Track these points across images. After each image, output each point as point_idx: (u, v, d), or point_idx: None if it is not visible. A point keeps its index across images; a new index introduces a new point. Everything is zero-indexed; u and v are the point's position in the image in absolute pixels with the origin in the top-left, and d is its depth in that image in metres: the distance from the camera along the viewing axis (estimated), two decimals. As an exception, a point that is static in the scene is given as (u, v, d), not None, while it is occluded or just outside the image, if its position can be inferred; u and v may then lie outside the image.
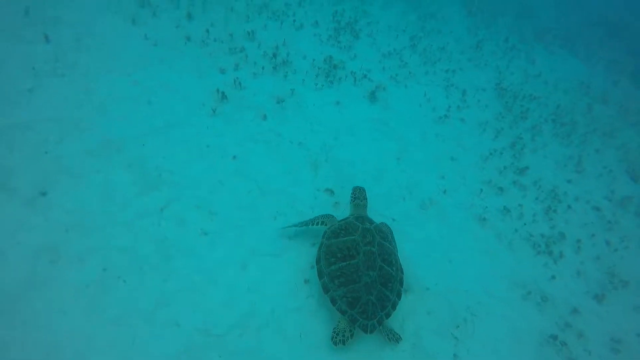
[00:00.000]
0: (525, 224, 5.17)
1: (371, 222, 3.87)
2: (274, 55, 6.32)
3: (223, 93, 5.33)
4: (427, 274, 4.17)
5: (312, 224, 3.92)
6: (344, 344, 3.24)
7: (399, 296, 3.56)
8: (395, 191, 4.99)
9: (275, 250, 3.91)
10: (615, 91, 9.45)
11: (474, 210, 5.12)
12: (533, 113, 7.34)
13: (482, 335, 3.81)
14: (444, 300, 4.00)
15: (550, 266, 4.76)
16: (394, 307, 3.48)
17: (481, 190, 5.42)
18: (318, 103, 5.89)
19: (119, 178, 4.06)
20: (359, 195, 4.17)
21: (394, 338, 3.41)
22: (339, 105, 5.99)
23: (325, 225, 3.90)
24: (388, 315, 3.43)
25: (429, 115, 6.47)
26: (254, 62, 6.19)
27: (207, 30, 6.40)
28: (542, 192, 5.76)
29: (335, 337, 3.27)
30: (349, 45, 7.38)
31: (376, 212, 4.57)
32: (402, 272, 3.72)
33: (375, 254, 3.54)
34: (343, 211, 4.39)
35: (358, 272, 3.40)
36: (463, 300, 4.06)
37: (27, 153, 3.94)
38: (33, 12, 5.48)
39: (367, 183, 4.74)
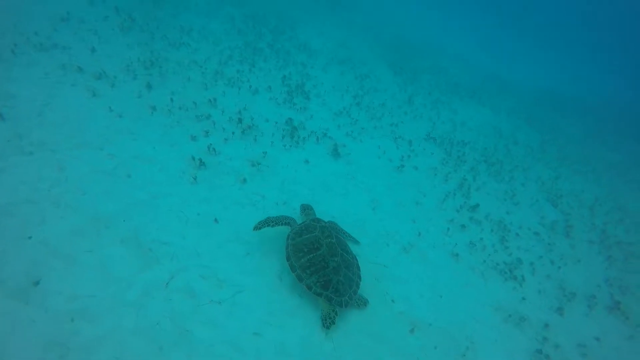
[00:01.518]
0: (489, 255, 5.85)
1: (323, 221, 4.57)
2: (240, 120, 6.60)
3: (200, 160, 5.41)
4: (425, 312, 4.50)
5: (280, 224, 4.50)
6: (334, 323, 3.83)
7: (359, 278, 4.25)
8: (379, 239, 5.37)
9: (289, 309, 3.96)
10: (520, 133, 11.27)
11: (446, 247, 5.69)
12: (468, 156, 8.46)
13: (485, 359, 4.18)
14: (445, 334, 4.33)
15: (518, 289, 5.41)
16: (357, 286, 4.16)
17: (448, 228, 6.06)
18: (290, 163, 6.20)
19: (114, 256, 3.87)
20: (307, 207, 5.00)
21: (362, 303, 4.18)
22: (309, 164, 6.36)
23: (290, 226, 4.52)
24: (355, 293, 4.08)
25: (387, 166, 7.14)
26: (222, 128, 6.39)
27: (171, 99, 6.52)
28: (494, 224, 6.59)
29: (326, 322, 3.83)
30: (304, 106, 7.96)
31: (367, 261, 4.88)
32: (356, 259, 4.41)
33: (335, 244, 4.22)
34: (341, 263, 4.62)
35: (324, 260, 4.03)
36: (461, 331, 4.44)
37: (9, 240, 3.62)
38: (-17, 91, 5.17)
39: (353, 234, 5.10)
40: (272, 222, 4.48)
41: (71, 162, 4.70)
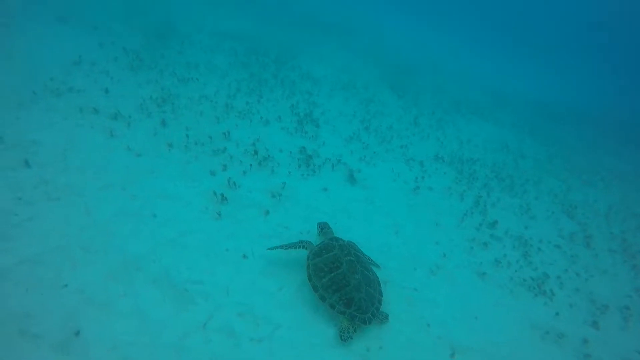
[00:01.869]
0: (515, 271, 5.81)
1: (342, 240, 4.63)
2: (255, 152, 6.67)
3: (222, 195, 5.43)
4: (462, 335, 4.43)
5: (295, 248, 4.59)
6: (351, 338, 3.87)
7: (381, 294, 4.29)
8: (405, 263, 5.35)
9: (329, 341, 3.91)
10: (525, 147, 11.39)
11: (472, 267, 5.66)
12: (479, 173, 8.53)
13: (530, 383, 4.10)
14: (487, 356, 4.26)
15: (549, 304, 5.35)
16: (379, 302, 4.19)
17: (471, 248, 6.05)
18: (309, 192, 6.23)
19: (149, 298, 3.83)
20: (324, 226, 5.08)
21: (385, 318, 4.20)
22: (327, 191, 6.39)
23: (306, 249, 4.58)
24: (378, 309, 4.11)
25: (403, 188, 7.18)
26: (240, 161, 6.45)
27: (187, 135, 6.60)
28: (514, 240, 6.58)
29: (343, 335, 3.87)
30: (315, 134, 8.06)
31: (397, 285, 4.85)
32: (376, 276, 4.49)
33: (355, 262, 4.29)
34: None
35: (345, 278, 4.10)
36: (502, 352, 4.36)
37: (46, 290, 3.59)
38: (8, 139, 5.24)
39: (380, 260, 5.09)
40: (287, 246, 4.59)
41: (97, 205, 4.72)
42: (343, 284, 4.07)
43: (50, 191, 4.68)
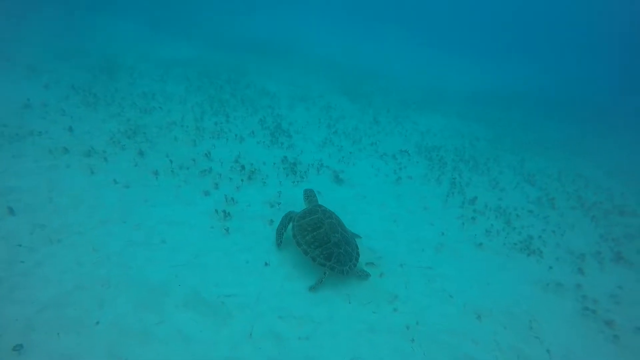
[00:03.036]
0: (505, 237, 6.35)
1: (325, 207, 5.08)
2: (243, 167, 6.69)
3: (224, 211, 5.41)
4: (482, 300, 4.79)
5: (285, 228, 5.03)
6: (321, 283, 4.40)
7: (358, 254, 4.75)
8: (413, 245, 5.66)
9: (371, 325, 4.05)
10: (475, 131, 12.37)
11: (469, 240, 6.10)
12: (447, 158, 9.17)
13: (553, 332, 4.53)
14: (507, 314, 4.63)
15: (540, 262, 5.92)
16: (356, 259, 4.66)
17: (462, 224, 6.51)
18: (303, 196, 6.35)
19: (186, 321, 3.75)
20: (310, 194, 5.57)
21: (364, 275, 4.71)
22: (320, 194, 6.55)
23: (293, 220, 4.99)
24: (355, 265, 4.59)
25: (386, 181, 7.55)
26: (229, 178, 6.44)
27: (171, 161, 6.48)
28: (494, 211, 7.17)
29: (316, 287, 4.38)
30: (290, 144, 8.22)
31: (413, 266, 5.14)
32: (354, 239, 4.97)
33: (335, 224, 4.78)
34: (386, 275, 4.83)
35: (326, 236, 4.58)
36: (517, 308, 4.77)
37: (79, 330, 3.38)
38: (-18, 190, 4.83)
39: (388, 246, 5.36)
40: (283, 228, 5.01)
41: (102, 241, 4.50)
42: (324, 240, 4.55)
43: (49, 234, 4.39)
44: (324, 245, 4.52)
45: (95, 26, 14.77)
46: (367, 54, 21.88)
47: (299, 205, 6.01)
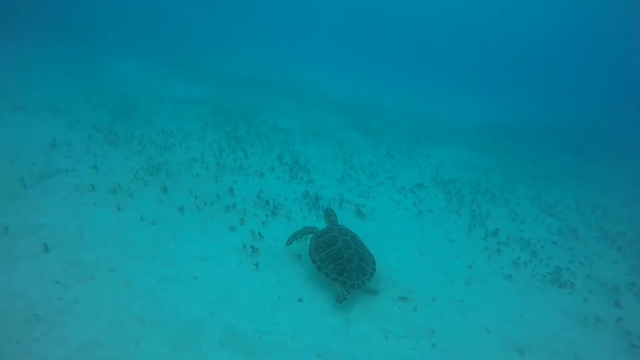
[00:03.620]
0: (533, 269, 6.25)
1: (343, 226, 5.41)
2: (267, 203, 6.71)
3: (252, 247, 5.38)
4: (519, 333, 4.65)
5: (304, 234, 5.40)
6: (346, 299, 4.45)
7: (374, 270, 4.89)
8: (442, 279, 5.57)
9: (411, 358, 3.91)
10: (486, 163, 12.47)
11: (497, 272, 6.00)
12: (463, 191, 9.18)
13: (595, 363, 4.37)
14: (548, 348, 4.49)
15: (573, 294, 5.78)
16: (371, 275, 4.77)
17: (489, 256, 6.43)
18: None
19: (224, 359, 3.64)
20: (330, 213, 5.82)
21: (373, 292, 4.90)
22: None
23: (313, 232, 5.41)
24: (369, 280, 4.71)
25: (408, 214, 7.53)
26: (254, 214, 6.45)
27: (195, 197, 6.51)
28: (518, 243, 7.09)
29: (339, 298, 4.46)
30: (309, 179, 8.29)
31: (445, 300, 5.04)
32: (372, 256, 5.10)
33: (350, 241, 4.97)
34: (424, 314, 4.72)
35: (339, 252, 4.77)
36: (558, 342, 4.62)
37: (119, 373, 3.29)
38: (14, 229, 4.86)
39: (418, 282, 5.30)
40: (300, 234, 5.37)
41: (134, 277, 4.46)
42: (337, 257, 4.73)
43: (82, 271, 4.37)
44: (337, 261, 4.69)
45: (111, 68, 15.32)
46: (374, 89, 22.48)
47: (325, 239, 5.97)
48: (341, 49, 35.20)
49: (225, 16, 38.82)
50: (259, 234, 5.79)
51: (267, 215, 6.43)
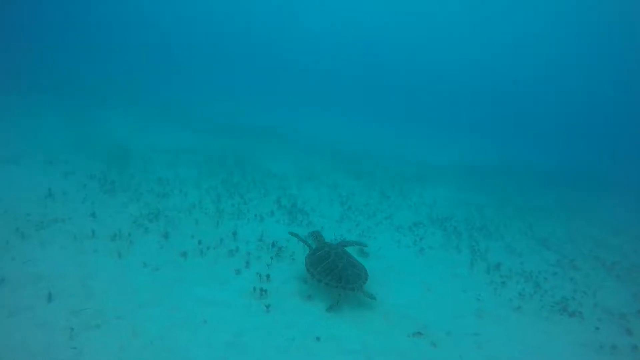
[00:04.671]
0: (540, 300, 6.25)
1: (332, 243, 6.35)
2: (273, 244, 6.68)
3: (261, 289, 5.28)
4: (540, 366, 4.59)
5: (307, 240, 6.36)
6: (337, 305, 5.13)
7: (366, 275, 5.45)
8: (452, 313, 5.53)
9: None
10: (478, 200, 12.73)
11: (506, 305, 5.99)
12: (460, 228, 9.31)
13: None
14: (571, 380, 4.41)
15: (583, 323, 5.78)
16: (365, 280, 5.31)
17: (495, 289, 6.43)
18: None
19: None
20: (316, 234, 6.49)
21: (371, 297, 5.28)
22: (348, 266, 6.50)
23: (310, 247, 6.09)
24: (364, 283, 5.25)
25: (410, 252, 7.56)
26: (258, 256, 6.39)
27: (199, 242, 6.45)
28: (521, 276, 7.13)
29: (333, 307, 5.12)
30: (309, 222, 8.31)
31: (459, 334, 4.97)
32: (363, 265, 5.69)
33: (341, 253, 5.63)
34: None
35: (334, 263, 5.36)
36: (579, 373, 4.56)
37: None
38: (11, 279, 4.69)
39: (430, 317, 5.28)
40: (302, 238, 6.38)
41: (142, 324, 4.30)
42: (332, 267, 5.29)
43: (87, 320, 4.20)
44: (334, 271, 5.23)
45: (104, 120, 15.44)
46: (362, 134, 23.15)
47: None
48: (327, 93, 36.59)
49: (210, 66, 40.30)
50: (267, 275, 5.70)
51: (271, 258, 6.36)
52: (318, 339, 4.48)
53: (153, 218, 7.22)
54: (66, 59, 28.51)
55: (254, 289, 5.30)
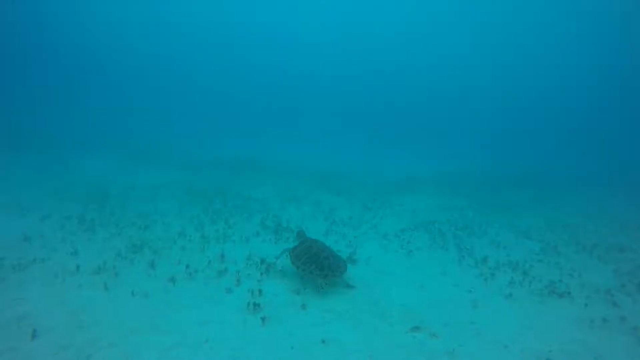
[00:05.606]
0: (530, 285, 6.40)
1: (312, 237, 7.03)
2: (262, 261, 6.64)
3: (254, 303, 5.21)
4: (537, 346, 4.66)
5: (284, 253, 6.66)
6: (323, 288, 5.71)
7: (345, 264, 6.06)
8: (448, 306, 5.59)
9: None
10: (457, 204, 13.04)
11: (498, 293, 6.10)
12: (444, 230, 9.49)
13: None
14: (573, 356, 4.49)
15: (574, 302, 5.93)
16: (344, 269, 5.93)
17: (485, 280, 6.56)
18: (330, 283, 6.29)
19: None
20: (300, 232, 7.50)
21: (350, 285, 6.02)
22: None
23: (289, 252, 6.40)
24: (344, 271, 5.90)
25: (399, 255, 7.65)
26: (247, 274, 6.32)
27: (187, 266, 6.34)
28: (508, 266, 7.29)
29: (320, 289, 5.71)
30: (294, 238, 8.29)
31: (459, 323, 5.02)
32: (342, 257, 6.35)
33: (322, 247, 6.21)
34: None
35: (317, 255, 5.92)
36: (581, 349, 4.65)
37: None
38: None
39: (426, 312, 5.29)
40: (283, 253, 6.65)
41: (137, 351, 4.15)
42: (315, 258, 5.86)
43: (76, 353, 4.02)
44: (317, 262, 5.80)
45: (79, 167, 15.17)
46: (338, 156, 23.61)
47: (328, 293, 5.90)
48: (301, 118, 37.27)
49: (185, 103, 40.58)
50: (259, 290, 5.63)
51: (261, 274, 6.31)
52: (323, 341, 4.44)
53: (137, 250, 7.07)
54: (34, 111, 28.13)
55: (248, 304, 5.21)
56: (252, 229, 8.80)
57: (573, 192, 16.75)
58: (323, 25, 55.86)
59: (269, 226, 9.01)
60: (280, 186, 14.45)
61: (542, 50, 49.84)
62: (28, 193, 10.64)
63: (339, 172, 18.70)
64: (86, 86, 40.98)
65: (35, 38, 47.30)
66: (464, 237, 9.08)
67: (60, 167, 14.69)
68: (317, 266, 5.73)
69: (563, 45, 48.58)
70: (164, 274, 6.12)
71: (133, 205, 10.38)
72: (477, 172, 21.02)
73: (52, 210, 9.32)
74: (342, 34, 55.60)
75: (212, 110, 39.23)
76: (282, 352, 4.32)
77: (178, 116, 35.16)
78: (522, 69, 51.32)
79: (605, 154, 30.75)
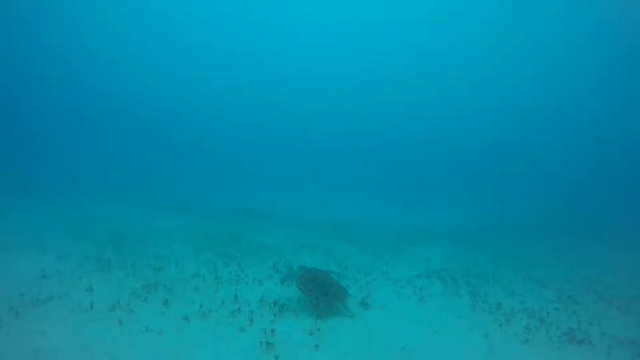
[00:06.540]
0: (547, 332, 6.24)
1: (315, 268, 7.74)
2: (275, 303, 6.66)
3: (267, 343, 5.22)
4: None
5: (288, 278, 7.89)
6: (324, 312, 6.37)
7: (347, 292, 6.80)
8: (465, 350, 5.49)
9: None
10: (468, 254, 12.90)
11: (514, 338, 5.97)
12: (457, 276, 9.39)
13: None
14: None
15: (595, 350, 5.76)
16: (345, 296, 6.67)
17: (500, 325, 6.43)
18: (339, 323, 6.27)
19: None
20: (301, 267, 7.90)
21: (350, 312, 6.62)
22: (355, 318, 6.49)
23: (296, 281, 6.85)
24: (345, 298, 6.63)
25: (411, 301, 7.57)
26: (260, 315, 6.33)
27: (201, 305, 6.39)
28: (524, 313, 7.15)
29: (321, 314, 6.30)
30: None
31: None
32: (344, 287, 7.02)
33: (325, 275, 6.94)
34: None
35: (322, 283, 6.59)
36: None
37: None
38: (8, 355, 4.56)
39: (440, 357, 5.17)
40: (287, 278, 7.86)
41: (150, 383, 4.15)
42: (320, 286, 6.53)
43: (94, 382, 4.04)
44: (321, 289, 6.48)
45: (98, 210, 15.61)
46: (350, 207, 23.83)
47: (339, 329, 5.86)
48: (314, 171, 37.98)
49: (200, 153, 41.95)
50: (272, 330, 5.63)
51: (275, 314, 6.30)
52: (332, 381, 4.38)
53: (152, 289, 7.16)
54: (56, 157, 29.37)
55: (260, 343, 5.22)
56: (265, 272, 8.85)
57: (592, 243, 16.44)
58: (333, 78, 58.48)
59: (282, 270, 9.05)
60: (293, 235, 14.56)
61: (553, 102, 51.30)
62: (48, 234, 10.95)
63: (354, 222, 18.80)
64: (102, 134, 43.14)
65: (57, 91, 50.72)
66: (477, 284, 8.95)
67: (80, 211, 15.12)
68: (321, 293, 6.42)
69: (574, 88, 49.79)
70: (177, 313, 6.17)
71: (149, 248, 10.56)
72: (490, 226, 20.88)
73: (70, 250, 9.55)
74: (355, 87, 57.85)
75: (230, 162, 40.37)
76: (295, 390, 4.27)
77: (192, 164, 36.26)
78: (532, 114, 52.47)
79: (627, 197, 30.15)
